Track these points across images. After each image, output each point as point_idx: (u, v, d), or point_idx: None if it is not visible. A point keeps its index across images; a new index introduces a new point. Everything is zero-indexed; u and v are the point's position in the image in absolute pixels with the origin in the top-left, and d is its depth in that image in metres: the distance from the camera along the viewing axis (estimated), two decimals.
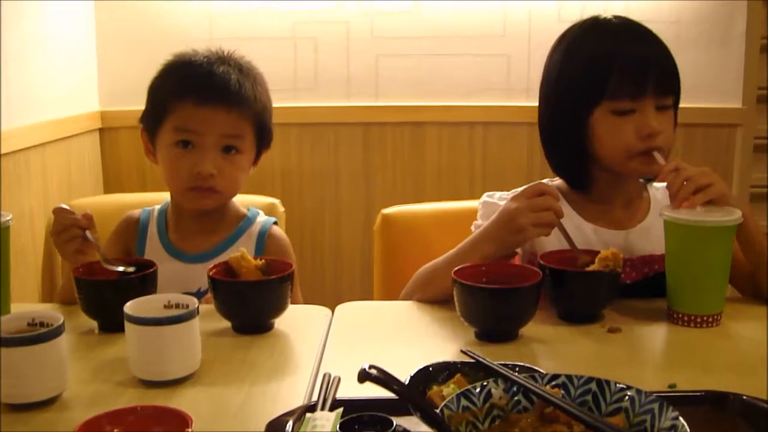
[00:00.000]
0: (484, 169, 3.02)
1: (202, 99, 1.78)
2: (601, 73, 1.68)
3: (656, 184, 1.84)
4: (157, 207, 1.95)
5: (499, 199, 1.81)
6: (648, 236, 1.78)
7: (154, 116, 1.84)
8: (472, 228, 1.80)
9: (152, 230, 1.91)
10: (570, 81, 1.74)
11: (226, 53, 1.87)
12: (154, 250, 1.87)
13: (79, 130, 2.86)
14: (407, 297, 1.76)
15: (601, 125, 1.71)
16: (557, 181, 1.85)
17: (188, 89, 1.79)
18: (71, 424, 1.05)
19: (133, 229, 1.92)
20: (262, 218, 1.94)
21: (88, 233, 1.63)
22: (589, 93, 1.70)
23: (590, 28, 1.75)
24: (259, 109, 1.84)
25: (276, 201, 2.27)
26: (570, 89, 1.74)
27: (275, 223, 1.96)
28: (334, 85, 3.03)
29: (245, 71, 1.85)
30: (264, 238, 1.90)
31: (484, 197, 1.86)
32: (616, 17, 1.75)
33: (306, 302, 1.77)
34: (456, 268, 1.52)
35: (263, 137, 1.88)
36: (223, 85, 1.80)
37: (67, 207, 1.67)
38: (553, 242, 1.70)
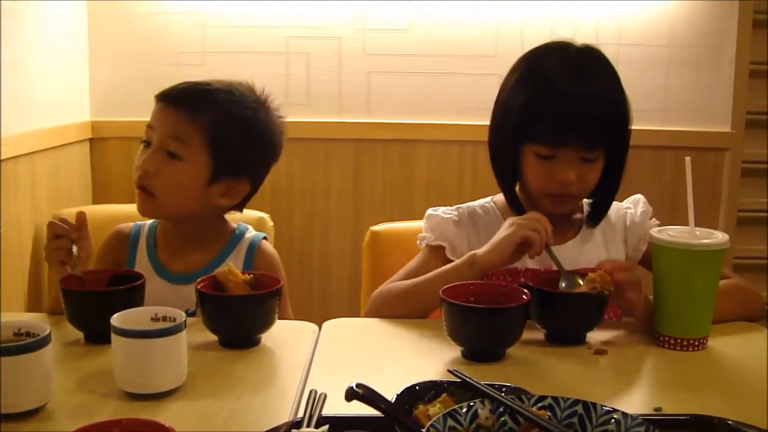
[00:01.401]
0: (474, 188, 3.02)
1: (162, 99, 1.79)
2: (529, 118, 1.71)
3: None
4: (148, 222, 1.92)
5: (443, 212, 1.87)
6: (580, 251, 1.82)
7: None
8: (418, 241, 1.87)
9: (141, 246, 1.89)
10: (506, 114, 1.78)
11: (245, 84, 1.88)
12: (143, 267, 1.83)
13: (70, 139, 2.85)
14: (378, 311, 1.76)
15: (524, 161, 1.75)
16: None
17: (161, 92, 1.81)
18: None
19: (123, 244, 1.91)
20: (251, 234, 1.92)
21: (74, 248, 1.62)
22: (518, 132, 1.74)
23: (543, 60, 1.75)
24: (216, 120, 1.77)
25: (265, 216, 2.26)
26: (504, 122, 1.78)
27: (265, 238, 1.94)
28: (326, 100, 3.03)
29: (234, 90, 1.83)
30: (253, 254, 1.87)
31: (429, 211, 1.89)
32: (581, 50, 1.75)
33: (294, 317, 1.77)
34: (444, 287, 1.53)
35: (224, 159, 1.78)
36: (184, 88, 1.81)
37: (64, 217, 1.67)
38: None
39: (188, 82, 1.84)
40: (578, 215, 1.88)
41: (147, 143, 1.79)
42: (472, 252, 1.68)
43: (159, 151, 1.76)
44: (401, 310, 1.73)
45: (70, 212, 2.30)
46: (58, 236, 1.64)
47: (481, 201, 1.93)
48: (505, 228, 1.66)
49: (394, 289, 1.78)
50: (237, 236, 1.90)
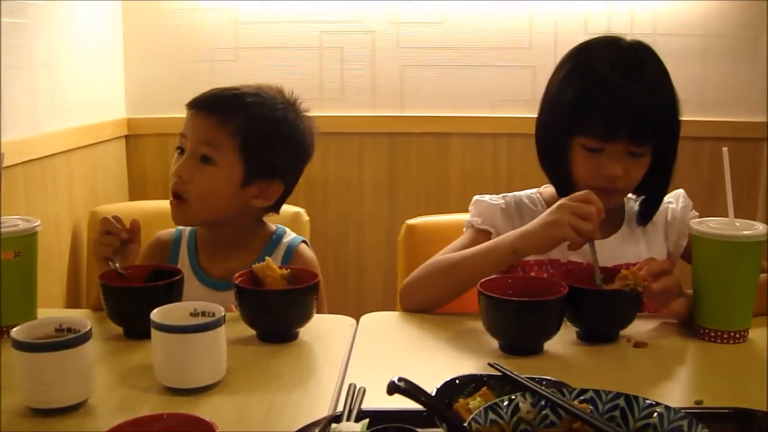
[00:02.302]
0: (509, 181, 3.01)
1: (193, 106, 1.82)
2: (579, 111, 1.70)
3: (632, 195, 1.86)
4: (188, 228, 1.94)
5: (491, 199, 1.87)
6: (621, 247, 1.81)
7: None
8: (464, 228, 1.86)
9: (183, 253, 1.91)
10: (556, 107, 1.76)
11: (273, 87, 1.90)
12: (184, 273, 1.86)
13: (106, 137, 2.88)
14: (418, 284, 1.74)
15: (573, 154, 1.73)
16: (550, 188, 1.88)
17: (192, 100, 1.83)
18: (97, 430, 1.05)
19: (164, 251, 1.93)
20: (288, 237, 1.93)
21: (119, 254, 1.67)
22: (567, 125, 1.72)
23: (594, 54, 1.74)
24: (246, 124, 1.79)
25: (301, 210, 2.27)
26: (554, 115, 1.77)
27: (304, 242, 1.95)
28: (359, 95, 3.04)
29: (263, 93, 1.85)
30: (290, 258, 1.88)
31: (476, 198, 1.89)
32: (632, 45, 1.74)
33: (329, 312, 1.77)
34: (482, 280, 1.52)
35: (257, 161, 1.80)
36: (214, 94, 1.84)
37: (120, 217, 1.71)
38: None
39: (217, 88, 1.86)
40: (620, 211, 1.86)
41: (181, 150, 1.81)
42: (514, 236, 1.66)
43: (192, 157, 1.78)
44: (441, 285, 1.72)
45: (105, 209, 2.33)
46: (108, 233, 1.68)
47: (528, 192, 1.91)
48: (552, 213, 1.61)
49: (438, 262, 1.75)
50: (275, 240, 1.91)
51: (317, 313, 1.56)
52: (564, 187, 1.77)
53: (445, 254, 1.77)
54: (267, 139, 1.82)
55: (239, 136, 1.78)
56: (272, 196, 1.86)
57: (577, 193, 1.63)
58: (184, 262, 1.89)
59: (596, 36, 1.79)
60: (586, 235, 1.58)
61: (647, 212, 1.83)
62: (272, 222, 1.97)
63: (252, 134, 1.79)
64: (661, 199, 1.83)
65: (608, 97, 1.67)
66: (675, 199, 1.88)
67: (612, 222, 1.83)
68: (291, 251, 1.89)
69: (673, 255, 1.85)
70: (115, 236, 1.68)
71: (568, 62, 1.77)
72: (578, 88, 1.71)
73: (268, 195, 1.85)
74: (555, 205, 1.63)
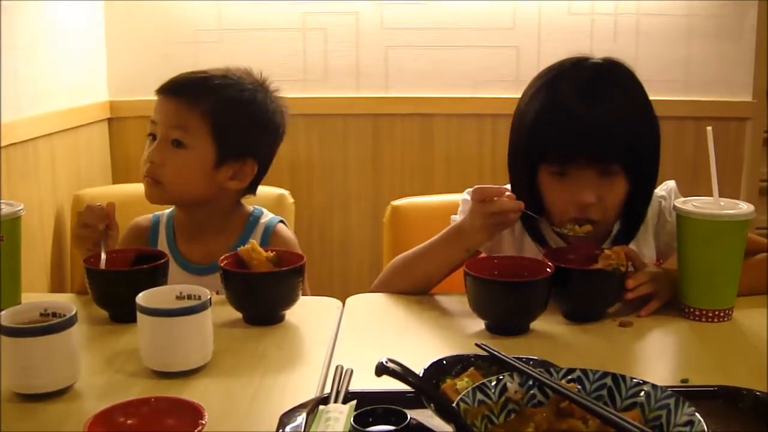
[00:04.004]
0: (493, 161, 3.01)
1: (162, 91, 1.83)
2: (541, 137, 1.67)
3: None
4: (166, 212, 1.95)
5: None
6: None
7: None
8: (451, 223, 1.81)
9: (161, 239, 1.92)
10: (519, 132, 1.74)
11: (242, 69, 1.90)
12: None
13: (88, 120, 2.86)
14: (383, 285, 1.76)
15: (542, 184, 1.70)
16: None
17: (161, 85, 1.84)
18: (84, 415, 1.04)
19: (143, 237, 1.93)
20: (266, 218, 1.93)
21: (101, 243, 1.65)
22: (532, 153, 1.69)
23: (558, 77, 1.69)
24: (215, 105, 1.79)
25: (285, 192, 2.27)
26: (518, 141, 1.75)
27: (282, 221, 1.95)
28: (343, 76, 3.02)
29: (230, 75, 1.85)
30: (268, 238, 1.89)
31: (464, 195, 1.85)
32: (597, 66, 1.69)
33: (314, 294, 1.77)
34: (468, 261, 1.53)
35: (228, 142, 1.81)
36: (181, 78, 1.84)
37: (98, 204, 1.70)
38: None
39: (185, 72, 1.87)
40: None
41: (153, 137, 1.82)
42: (460, 229, 1.68)
43: (163, 142, 1.79)
44: (401, 283, 1.74)
45: (89, 193, 2.32)
46: (86, 225, 1.68)
47: None
48: (471, 220, 1.64)
49: (396, 262, 1.78)
50: (252, 222, 1.92)
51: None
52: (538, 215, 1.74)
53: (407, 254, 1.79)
54: (237, 119, 1.83)
55: (209, 118, 1.79)
56: (246, 177, 1.86)
57: (471, 194, 1.63)
58: (162, 248, 1.88)
59: (569, 57, 1.73)
60: (503, 227, 1.63)
61: (628, 231, 1.77)
62: (258, 204, 1.96)
63: (221, 115, 1.80)
64: (642, 218, 1.77)
65: (563, 120, 1.62)
66: (667, 194, 1.81)
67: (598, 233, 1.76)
68: (269, 231, 1.90)
69: (663, 254, 1.81)
70: (92, 228, 1.67)
71: (534, 84, 1.73)
72: (537, 111, 1.67)
73: (242, 176, 1.85)
74: (469, 214, 1.64)
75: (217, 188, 1.83)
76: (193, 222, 1.89)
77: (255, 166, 1.86)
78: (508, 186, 1.71)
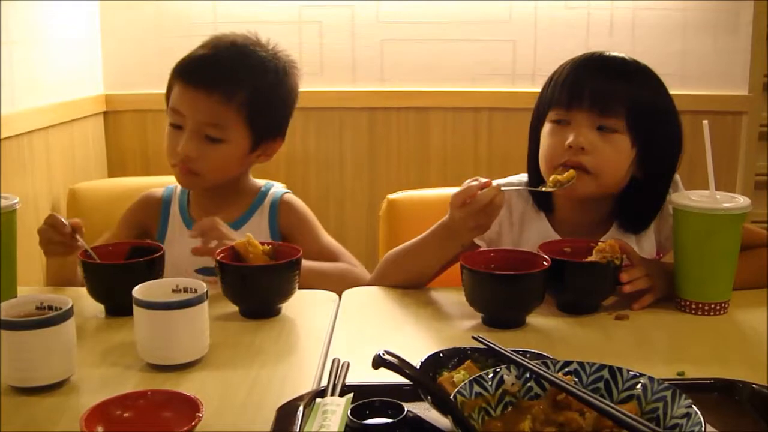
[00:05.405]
0: (489, 155, 3.01)
1: (187, 80, 1.81)
2: (551, 87, 1.71)
3: None
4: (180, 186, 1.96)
5: None
6: None
7: (166, 94, 1.86)
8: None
9: (174, 209, 1.94)
10: (541, 95, 1.77)
11: (250, 38, 1.90)
12: (176, 227, 1.91)
13: (84, 113, 2.85)
14: (379, 278, 1.77)
15: (544, 135, 1.72)
16: None
17: (181, 69, 1.83)
18: (80, 408, 1.04)
19: (154, 208, 1.95)
20: (274, 190, 1.97)
21: (78, 237, 1.64)
22: (542, 105, 1.74)
23: (576, 60, 1.73)
24: (251, 97, 1.80)
25: (281, 186, 2.26)
26: (536, 106, 1.78)
27: (289, 192, 1.99)
28: (339, 69, 3.02)
29: (254, 58, 1.84)
30: (276, 208, 1.92)
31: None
32: (614, 56, 1.72)
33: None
34: (464, 254, 1.53)
35: (263, 128, 1.85)
36: (208, 67, 1.82)
37: (61, 219, 1.65)
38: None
39: (203, 55, 1.84)
40: (610, 215, 1.79)
41: (176, 126, 1.80)
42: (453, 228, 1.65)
43: (197, 136, 1.79)
44: (397, 277, 1.74)
45: (84, 186, 2.31)
46: (53, 225, 1.65)
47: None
48: (453, 225, 1.63)
49: (391, 256, 1.78)
50: (263, 193, 1.95)
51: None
52: (531, 171, 1.78)
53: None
54: (270, 105, 1.86)
55: (245, 110, 1.81)
56: (273, 152, 1.93)
57: (452, 200, 1.61)
58: (175, 218, 1.92)
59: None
60: (489, 223, 1.61)
61: (637, 224, 1.77)
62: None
63: (256, 106, 1.82)
64: (653, 213, 1.76)
65: (577, 69, 1.68)
66: (672, 188, 1.78)
67: (597, 229, 1.78)
68: (276, 202, 1.93)
69: (663, 247, 1.81)
70: (58, 228, 1.64)
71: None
72: (556, 70, 1.73)
73: (270, 151, 1.92)
74: (458, 220, 1.60)
75: (247, 167, 1.92)
76: (207, 194, 1.92)
77: (282, 140, 1.92)
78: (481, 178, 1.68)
